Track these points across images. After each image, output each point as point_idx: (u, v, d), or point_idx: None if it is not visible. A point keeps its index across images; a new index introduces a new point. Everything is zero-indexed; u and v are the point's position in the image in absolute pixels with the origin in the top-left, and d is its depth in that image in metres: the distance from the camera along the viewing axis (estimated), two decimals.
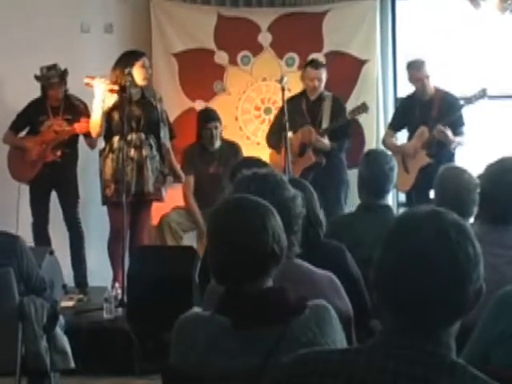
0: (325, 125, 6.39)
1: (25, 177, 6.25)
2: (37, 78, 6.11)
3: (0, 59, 6.52)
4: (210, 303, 2.41)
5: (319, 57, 6.91)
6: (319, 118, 6.42)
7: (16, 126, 6.29)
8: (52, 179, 6.20)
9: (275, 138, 6.51)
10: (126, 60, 5.86)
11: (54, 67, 6.10)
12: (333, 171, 6.37)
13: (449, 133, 6.11)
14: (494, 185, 3.06)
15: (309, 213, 3.01)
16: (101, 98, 5.80)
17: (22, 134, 6.34)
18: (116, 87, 5.79)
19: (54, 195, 6.31)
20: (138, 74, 5.83)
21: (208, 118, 6.50)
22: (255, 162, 3.74)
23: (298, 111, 6.25)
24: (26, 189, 6.30)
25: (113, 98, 5.84)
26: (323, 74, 6.46)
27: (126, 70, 5.77)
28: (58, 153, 6.14)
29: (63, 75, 6.11)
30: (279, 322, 2.07)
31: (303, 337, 2.05)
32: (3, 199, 6.38)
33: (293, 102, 6.38)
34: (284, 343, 2.03)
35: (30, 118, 6.26)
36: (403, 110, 6.55)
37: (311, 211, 3.09)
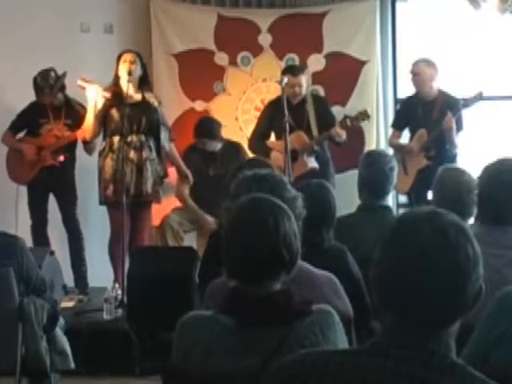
0: (313, 126, 6.27)
1: (22, 178, 6.23)
2: (34, 85, 6.10)
3: (0, 59, 6.52)
4: (210, 303, 2.41)
5: (319, 58, 6.91)
6: (305, 120, 6.31)
7: (15, 127, 6.27)
8: (50, 183, 6.18)
9: (259, 143, 6.47)
10: (116, 62, 5.92)
11: (47, 77, 6.05)
12: (321, 167, 6.27)
13: (454, 126, 6.02)
14: (492, 185, 3.06)
15: (329, 215, 3.23)
16: (93, 102, 5.83)
17: (21, 134, 6.33)
18: (108, 95, 5.81)
19: (53, 196, 6.31)
20: (120, 69, 5.85)
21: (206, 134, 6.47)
22: (257, 162, 3.75)
23: (281, 116, 6.09)
24: (24, 190, 6.28)
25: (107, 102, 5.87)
26: (303, 80, 6.35)
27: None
28: (61, 158, 6.11)
29: (56, 83, 6.08)
30: (283, 324, 2.07)
31: (306, 340, 2.05)
32: (2, 200, 6.38)
33: (275, 106, 6.28)
34: (286, 345, 2.03)
35: (29, 119, 6.24)
36: (405, 109, 6.49)
37: (332, 214, 3.28)
